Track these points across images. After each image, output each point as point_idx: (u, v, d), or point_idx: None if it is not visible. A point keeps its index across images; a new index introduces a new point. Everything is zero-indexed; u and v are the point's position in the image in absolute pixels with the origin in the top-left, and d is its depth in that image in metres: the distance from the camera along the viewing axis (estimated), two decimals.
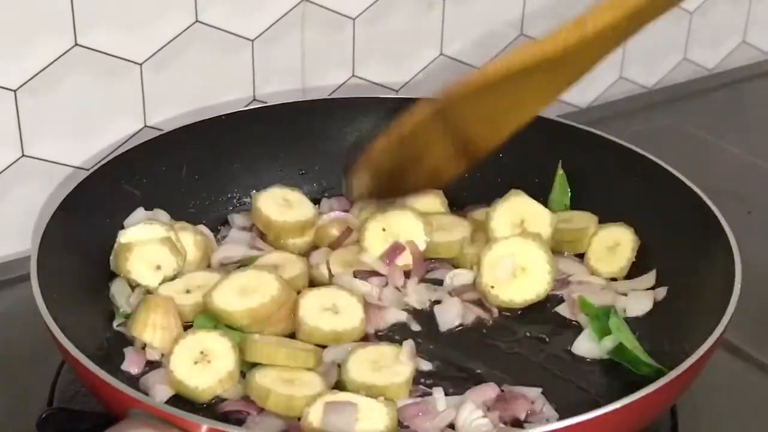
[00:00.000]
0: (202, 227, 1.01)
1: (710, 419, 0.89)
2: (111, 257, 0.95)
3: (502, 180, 1.07)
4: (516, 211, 0.99)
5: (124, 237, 0.94)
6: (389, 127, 0.91)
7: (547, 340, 0.92)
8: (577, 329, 0.92)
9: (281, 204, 1.02)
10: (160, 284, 0.93)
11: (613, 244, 0.99)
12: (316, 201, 1.08)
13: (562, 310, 0.95)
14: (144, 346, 0.88)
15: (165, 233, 0.95)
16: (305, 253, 1.00)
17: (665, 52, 1.47)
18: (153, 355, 0.87)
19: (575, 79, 0.85)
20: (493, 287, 0.94)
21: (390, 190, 0.98)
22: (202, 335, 0.86)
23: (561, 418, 0.79)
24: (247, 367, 0.85)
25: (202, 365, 0.84)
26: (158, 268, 0.94)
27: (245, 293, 0.89)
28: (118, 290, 0.93)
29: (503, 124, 0.90)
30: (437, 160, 0.94)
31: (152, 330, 0.87)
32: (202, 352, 0.84)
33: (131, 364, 0.87)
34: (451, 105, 0.87)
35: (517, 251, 0.95)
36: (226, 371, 0.84)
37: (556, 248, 1.00)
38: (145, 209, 0.99)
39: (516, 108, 0.87)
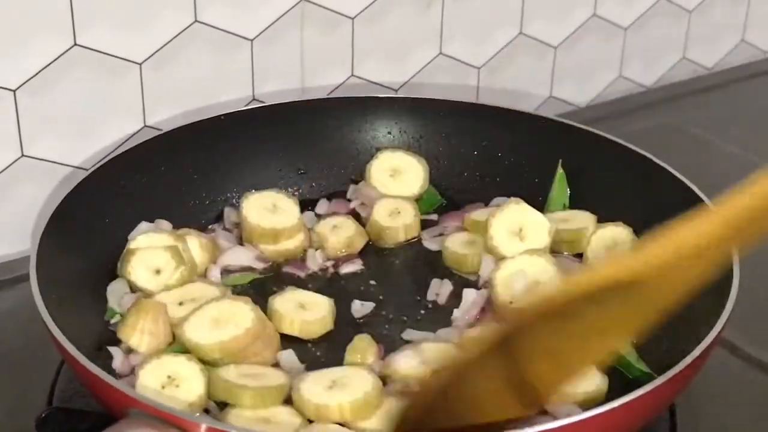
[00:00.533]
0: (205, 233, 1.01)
1: (709, 419, 0.89)
2: (119, 261, 0.95)
3: (501, 179, 1.08)
4: (514, 220, 0.99)
5: (133, 243, 0.95)
6: (438, 367, 0.75)
7: None
8: None
9: (267, 208, 1.01)
10: (161, 290, 0.92)
11: (612, 244, 0.99)
12: (314, 201, 1.08)
13: None
14: (129, 351, 0.87)
15: (173, 242, 0.95)
16: (283, 263, 1.00)
17: (664, 51, 1.47)
18: (136, 360, 0.86)
19: (667, 303, 0.67)
20: (512, 302, 0.93)
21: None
22: (167, 359, 0.82)
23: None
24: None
25: (170, 390, 0.81)
26: (158, 272, 0.93)
27: (217, 325, 0.85)
28: (113, 290, 0.93)
29: (571, 361, 0.73)
30: (489, 408, 0.75)
31: (140, 335, 0.86)
32: (169, 377, 0.81)
33: (119, 366, 0.86)
34: (517, 332, 0.69)
35: (526, 266, 0.94)
36: (196, 395, 0.81)
37: (554, 248, 0.99)
38: (144, 209, 0.99)
39: (591, 340, 0.70)
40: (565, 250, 1.01)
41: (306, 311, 0.92)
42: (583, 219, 1.02)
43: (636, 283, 0.64)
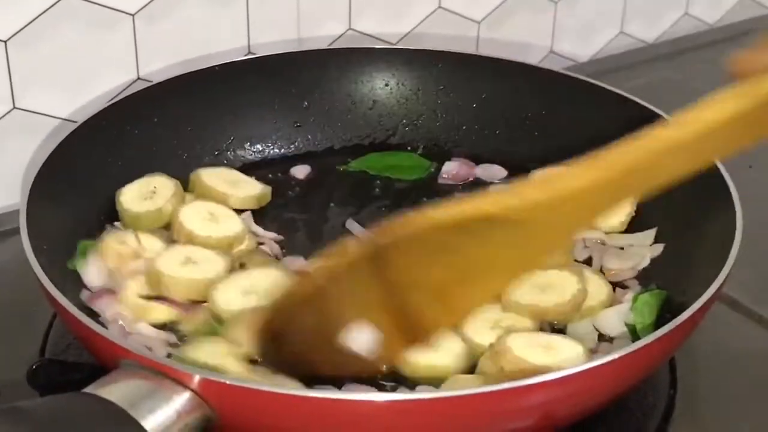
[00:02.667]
0: None
1: (709, 373, 0.88)
2: None
3: (501, 132, 1.07)
4: None
5: None
6: (304, 272, 0.73)
7: None
8: None
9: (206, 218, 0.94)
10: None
11: None
12: (310, 154, 1.07)
13: None
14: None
15: None
16: None
17: (666, 8, 1.45)
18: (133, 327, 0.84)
19: (550, 247, 0.69)
20: None
21: (301, 361, 0.74)
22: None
23: None
24: None
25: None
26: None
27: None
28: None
29: (454, 299, 0.70)
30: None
31: None
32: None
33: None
34: (384, 253, 0.67)
35: None
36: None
37: None
38: (136, 161, 0.98)
39: (474, 279, 0.69)
40: None
41: None
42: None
43: (510, 220, 0.65)
